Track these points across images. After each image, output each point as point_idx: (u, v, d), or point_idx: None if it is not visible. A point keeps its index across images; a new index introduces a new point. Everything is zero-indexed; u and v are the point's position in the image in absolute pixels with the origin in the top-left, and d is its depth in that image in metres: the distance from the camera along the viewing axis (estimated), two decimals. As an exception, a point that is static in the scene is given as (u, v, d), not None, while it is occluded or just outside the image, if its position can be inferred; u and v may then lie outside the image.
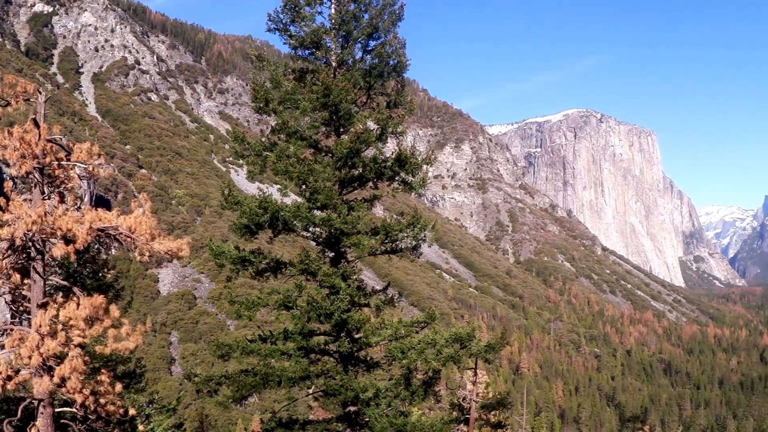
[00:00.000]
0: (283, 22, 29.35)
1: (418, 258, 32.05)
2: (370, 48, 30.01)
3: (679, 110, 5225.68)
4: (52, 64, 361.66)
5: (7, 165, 21.35)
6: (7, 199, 20.53)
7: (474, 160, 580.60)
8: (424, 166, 30.41)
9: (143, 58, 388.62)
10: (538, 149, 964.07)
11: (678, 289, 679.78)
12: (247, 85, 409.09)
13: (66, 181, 22.40)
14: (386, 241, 29.63)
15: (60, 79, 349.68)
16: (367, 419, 28.87)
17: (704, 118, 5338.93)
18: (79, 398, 20.59)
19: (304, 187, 28.56)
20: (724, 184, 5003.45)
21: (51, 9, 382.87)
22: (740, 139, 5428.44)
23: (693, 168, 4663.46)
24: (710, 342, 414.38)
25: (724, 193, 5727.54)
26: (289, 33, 29.48)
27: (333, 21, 29.30)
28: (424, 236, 30.31)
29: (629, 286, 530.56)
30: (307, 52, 30.01)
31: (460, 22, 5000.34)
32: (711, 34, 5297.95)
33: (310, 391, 30.13)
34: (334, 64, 29.67)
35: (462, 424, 45.31)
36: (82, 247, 20.72)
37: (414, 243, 30.21)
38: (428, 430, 29.41)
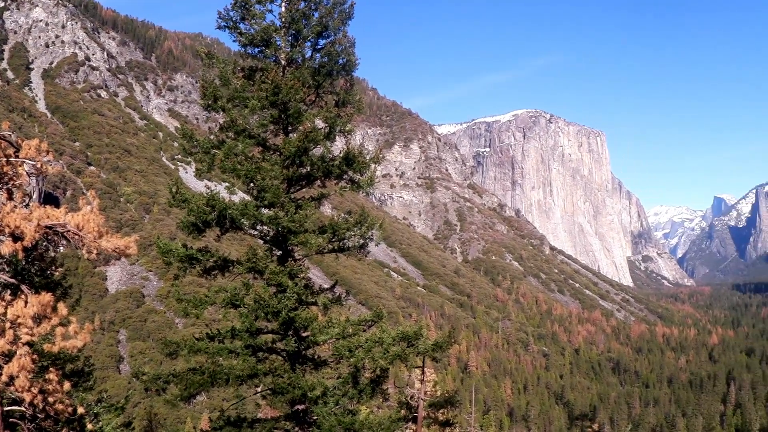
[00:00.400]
0: (233, 19, 29.26)
1: (366, 257, 32.05)
2: (319, 46, 30.01)
3: (629, 111, 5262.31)
4: (2, 59, 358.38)
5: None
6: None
7: (423, 159, 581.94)
8: (372, 165, 30.43)
9: (93, 54, 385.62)
10: (487, 149, 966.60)
11: (626, 289, 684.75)
12: (196, 82, 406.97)
13: (14, 178, 22.20)
14: (334, 239, 29.64)
15: (10, 74, 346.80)
16: (315, 418, 28.85)
17: (653, 120, 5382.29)
18: (27, 397, 20.45)
19: (251, 185, 28.47)
20: (673, 185, 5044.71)
21: (2, 4, 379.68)
22: (689, 141, 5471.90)
23: (642, 169, 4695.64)
24: (659, 341, 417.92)
25: (672, 194, 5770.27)
26: (239, 31, 29.39)
27: (283, 19, 29.23)
28: (372, 235, 30.33)
29: (577, 285, 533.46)
30: (256, 50, 29.92)
31: (411, 22, 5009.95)
32: (659, 35, 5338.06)
33: (259, 389, 30.09)
34: (283, 62, 29.61)
35: (410, 423, 45.43)
36: (30, 245, 20.56)
37: (361, 242, 30.23)
38: (376, 428, 29.42)
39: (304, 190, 30.56)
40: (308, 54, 29.99)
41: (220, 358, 28.45)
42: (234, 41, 29.87)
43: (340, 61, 29.81)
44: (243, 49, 30.02)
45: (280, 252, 29.65)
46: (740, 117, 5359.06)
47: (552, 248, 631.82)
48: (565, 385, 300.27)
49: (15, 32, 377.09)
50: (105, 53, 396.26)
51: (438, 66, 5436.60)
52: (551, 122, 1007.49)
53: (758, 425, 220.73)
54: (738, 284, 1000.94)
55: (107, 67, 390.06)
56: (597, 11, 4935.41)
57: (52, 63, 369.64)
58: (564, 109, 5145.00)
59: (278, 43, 29.48)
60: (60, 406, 21.82)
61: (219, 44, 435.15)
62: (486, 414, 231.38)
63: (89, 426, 30.39)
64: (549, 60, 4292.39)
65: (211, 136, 29.52)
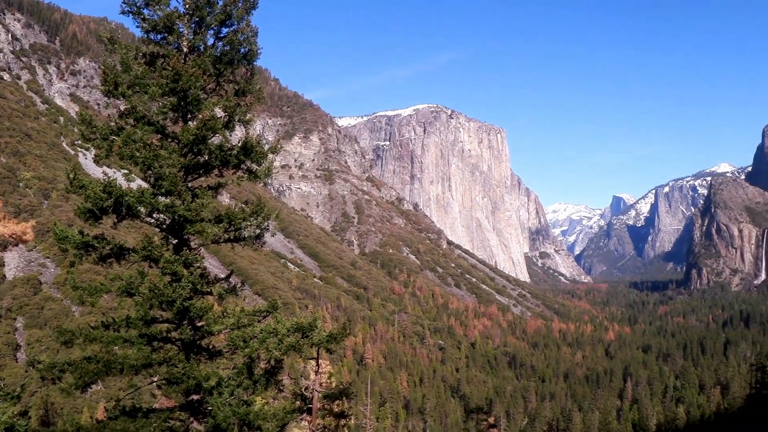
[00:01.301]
0: (137, 5, 28.96)
1: (263, 247, 31.96)
2: (222, 35, 29.86)
3: (530, 109, 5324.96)
4: None
5: None
6: None
7: (322, 151, 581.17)
8: (270, 155, 30.37)
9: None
10: (387, 142, 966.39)
11: (523, 284, 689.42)
12: (99, 67, 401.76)
13: None
14: (230, 229, 29.55)
15: None
16: (210, 408, 28.73)
17: (554, 118, 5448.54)
18: None
19: (149, 172, 28.23)
20: (572, 184, 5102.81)
21: None
22: (589, 140, 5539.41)
23: (541, 166, 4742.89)
24: (555, 336, 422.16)
25: (571, 192, 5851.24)
26: (142, 16, 29.08)
27: (187, 6, 29.03)
28: (268, 225, 30.31)
29: (474, 279, 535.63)
30: (159, 36, 29.65)
31: (315, 13, 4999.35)
32: (560, 33, 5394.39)
33: (154, 379, 29.88)
34: (185, 49, 29.41)
35: (305, 414, 45.42)
36: None
37: (257, 232, 30.17)
38: (271, 419, 29.42)
39: (201, 178, 30.38)
40: (210, 42, 29.83)
41: (115, 347, 28.18)
42: (137, 27, 29.60)
43: (242, 50, 29.70)
44: (146, 35, 29.71)
45: (176, 241, 29.45)
46: (640, 118, 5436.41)
47: (449, 243, 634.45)
48: (461, 379, 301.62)
49: None
50: (9, 35, 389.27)
51: (341, 58, 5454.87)
52: (452, 118, 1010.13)
53: (655, 421, 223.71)
54: (635, 282, 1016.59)
55: (11, 49, 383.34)
56: (500, 9, 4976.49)
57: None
58: (465, 105, 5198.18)
59: (181, 30, 29.27)
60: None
61: (124, 30, 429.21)
62: (382, 406, 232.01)
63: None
64: (452, 56, 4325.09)
65: (111, 123, 29.21)
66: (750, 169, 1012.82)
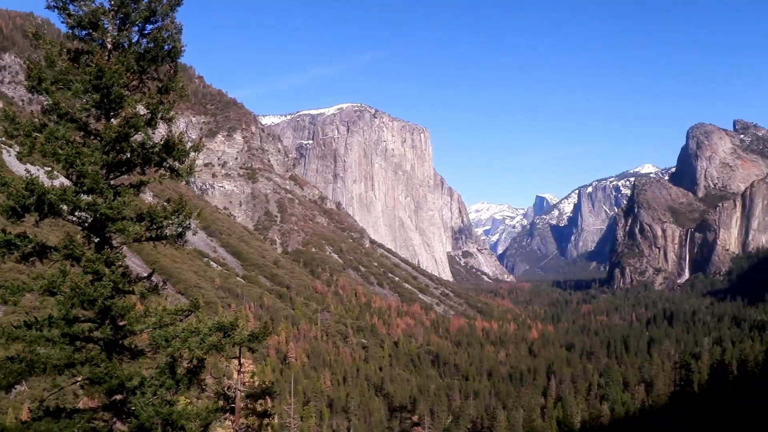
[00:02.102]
0: (63, 0, 28.82)
1: (184, 245, 31.88)
2: (146, 32, 29.75)
3: (453, 108, 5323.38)
4: None
5: None
6: None
7: (245, 149, 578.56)
8: (192, 153, 30.33)
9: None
10: (311, 141, 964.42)
11: (446, 283, 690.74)
12: (24, 63, 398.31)
13: None
14: (152, 227, 29.46)
15: None
16: (133, 408, 28.64)
17: (477, 118, 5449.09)
18: None
19: (71, 170, 28.06)
20: (496, 183, 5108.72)
21: None
22: (513, 140, 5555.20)
23: (464, 166, 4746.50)
24: (478, 335, 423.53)
25: (495, 192, 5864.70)
26: (68, 12, 28.88)
27: (112, 2, 28.91)
28: (189, 224, 30.26)
29: (397, 278, 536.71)
30: (84, 32, 29.46)
31: (240, 10, 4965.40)
32: (482, 33, 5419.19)
33: (78, 379, 29.72)
34: (109, 46, 29.27)
35: (228, 413, 45.39)
36: None
37: (179, 230, 30.11)
38: (194, 419, 29.41)
39: (124, 176, 30.27)
40: (135, 39, 29.71)
41: (38, 347, 27.98)
42: (63, 23, 29.41)
43: (166, 47, 29.64)
44: (71, 31, 29.52)
45: (98, 239, 29.30)
46: (564, 118, 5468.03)
47: (372, 242, 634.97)
48: (385, 377, 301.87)
49: None
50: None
51: (265, 56, 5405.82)
52: (376, 117, 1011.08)
53: (580, 418, 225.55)
54: (558, 281, 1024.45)
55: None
56: (423, 9, 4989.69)
57: None
58: (389, 104, 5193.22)
59: (106, 26, 29.13)
60: None
61: (50, 25, 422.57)
62: (306, 405, 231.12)
63: None
64: (376, 55, 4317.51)
65: (35, 119, 29.00)
66: (674, 170, 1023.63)
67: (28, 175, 27.90)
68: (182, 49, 29.99)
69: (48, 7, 28.91)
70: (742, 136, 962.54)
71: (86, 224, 29.18)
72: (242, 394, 47.36)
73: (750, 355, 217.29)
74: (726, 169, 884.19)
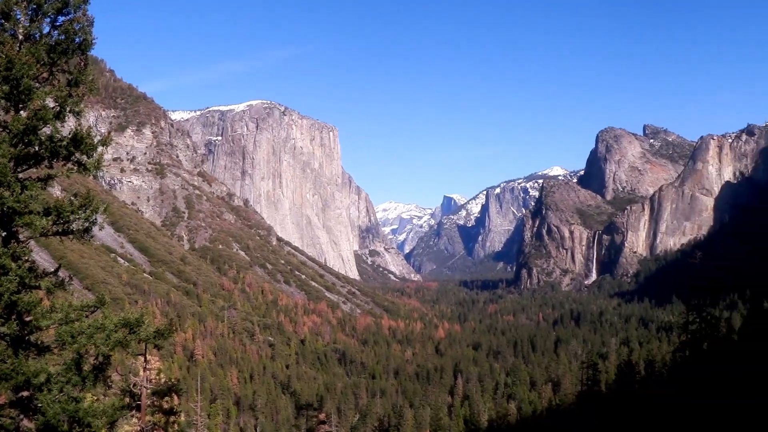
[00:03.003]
0: (-25, -11, 28.39)
1: (91, 240, 31.57)
2: (58, 23, 29.38)
3: (362, 107, 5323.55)
4: None
5: None
6: None
7: (154, 144, 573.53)
8: (100, 148, 30.03)
9: None
10: (220, 138, 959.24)
11: (353, 282, 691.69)
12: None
13: None
14: (58, 221, 29.11)
15: None
16: (40, 405, 28.29)
17: (386, 117, 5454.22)
18: None
19: (-22, 162, 27.66)
20: (403, 183, 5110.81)
21: None
22: (421, 140, 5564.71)
23: (373, 165, 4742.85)
24: (385, 333, 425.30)
25: (402, 192, 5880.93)
26: (-21, 2, 28.47)
27: (26, -8, 28.56)
28: (96, 219, 29.96)
29: (304, 276, 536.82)
30: (-4, 22, 29.06)
31: (151, 3, 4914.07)
32: (389, 32, 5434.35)
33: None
34: (21, 37, 28.86)
35: (134, 411, 45.00)
36: None
37: (86, 225, 29.79)
38: (100, 416, 29.13)
39: (32, 170, 29.88)
40: (46, 30, 29.34)
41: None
42: (-26, 12, 28.98)
43: (78, 39, 29.30)
44: (-18, 21, 29.10)
45: (5, 233, 28.91)
46: (473, 119, 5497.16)
47: (279, 239, 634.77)
48: (292, 375, 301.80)
49: None
50: None
51: (176, 50, 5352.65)
52: (285, 115, 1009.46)
53: (487, 416, 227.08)
54: (465, 281, 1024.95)
55: None
56: (335, 7, 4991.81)
57: None
58: (299, 102, 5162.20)
59: (18, 16, 28.74)
60: None
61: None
62: (213, 403, 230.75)
63: None
64: (286, 53, 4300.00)
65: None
66: (582, 173, 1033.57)
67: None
68: (93, 41, 29.67)
69: (-41, -4, 28.48)
70: (651, 140, 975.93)
71: (-8, 218, 28.76)
72: (148, 391, 46.97)
73: (657, 356, 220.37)
74: (635, 173, 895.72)
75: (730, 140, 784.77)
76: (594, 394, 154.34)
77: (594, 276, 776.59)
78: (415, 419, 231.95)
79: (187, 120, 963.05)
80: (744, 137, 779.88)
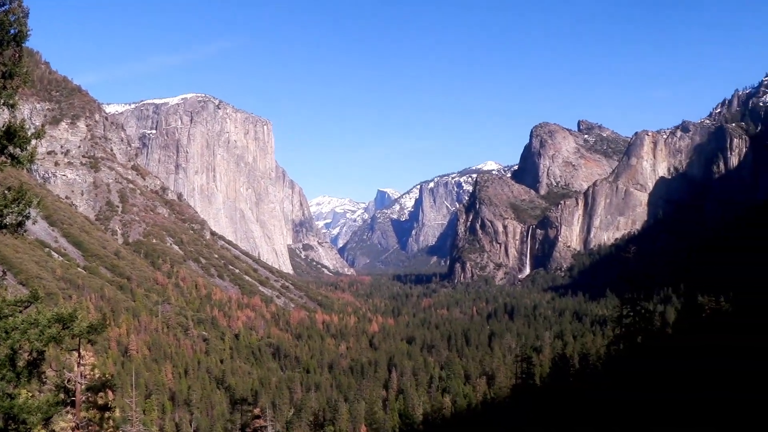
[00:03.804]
0: None
1: (25, 234, 31.17)
2: (-7, 15, 28.98)
3: (296, 101, 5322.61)
4: None
5: None
6: None
7: (89, 138, 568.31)
8: (34, 141, 29.69)
9: None
10: (154, 131, 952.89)
11: (286, 276, 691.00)
12: None
13: None
14: (-9, 215, 28.75)
15: None
16: (-26, 402, 27.91)
17: (320, 111, 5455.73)
18: None
19: None
20: (337, 177, 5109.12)
21: None
22: (355, 134, 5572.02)
23: (306, 159, 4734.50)
24: (319, 328, 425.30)
25: (336, 186, 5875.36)
26: None
27: (-40, -16, 28.11)
28: (29, 213, 29.62)
29: (237, 271, 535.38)
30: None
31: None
32: (330, 29, 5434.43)
33: None
34: (-45, 29, 28.44)
35: (69, 407, 44.53)
36: None
37: (19, 219, 29.48)
38: (35, 412, 28.80)
39: (-35, 163, 29.46)
40: (-20, 22, 28.92)
41: None
42: None
43: (12, 31, 28.92)
44: None
45: (-64, 228, 28.50)
46: (407, 114, 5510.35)
47: (213, 233, 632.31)
48: (226, 370, 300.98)
49: None
50: None
51: (111, 42, 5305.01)
52: (219, 108, 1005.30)
53: (422, 410, 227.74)
54: (399, 275, 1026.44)
55: None
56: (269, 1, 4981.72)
57: None
58: (233, 95, 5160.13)
59: (-49, 9, 28.29)
60: None
61: None
62: (148, 398, 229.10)
63: None
64: (221, 46, 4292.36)
65: None
66: (516, 167, 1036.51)
67: None
68: (28, 33, 29.30)
69: None
70: (586, 136, 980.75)
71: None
72: (83, 386, 46.53)
73: (591, 349, 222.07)
74: (569, 168, 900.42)
75: (664, 136, 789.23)
76: (529, 388, 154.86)
77: (528, 270, 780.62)
78: (350, 413, 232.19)
79: (121, 113, 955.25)
80: (679, 133, 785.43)
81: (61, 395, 43.08)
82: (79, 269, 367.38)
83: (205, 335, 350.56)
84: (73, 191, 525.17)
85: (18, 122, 29.05)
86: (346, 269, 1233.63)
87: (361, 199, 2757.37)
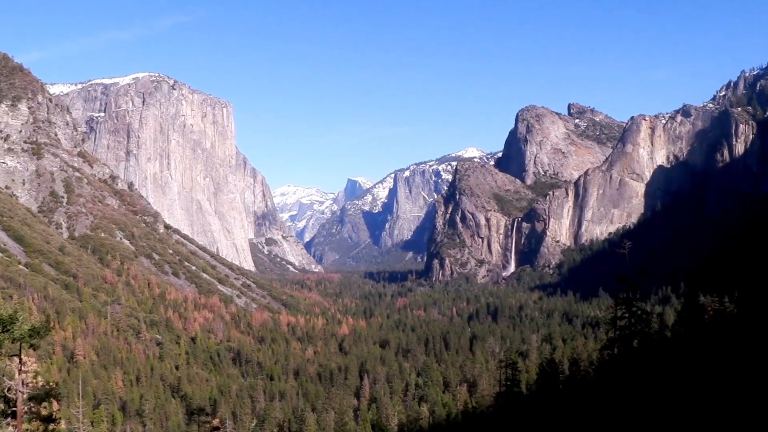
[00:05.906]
0: None
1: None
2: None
3: (259, 83, 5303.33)
4: None
5: None
6: None
7: (31, 121, 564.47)
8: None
9: None
10: (102, 114, 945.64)
11: (248, 273, 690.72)
12: None
13: None
14: None
15: None
16: None
17: (285, 94, 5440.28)
18: None
19: None
20: (303, 165, 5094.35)
21: None
22: (323, 118, 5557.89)
23: (269, 145, 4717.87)
24: (283, 330, 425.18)
25: (302, 174, 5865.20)
26: None
27: None
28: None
29: (194, 268, 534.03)
30: None
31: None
32: (296, 7, 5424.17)
33: None
34: None
35: (9, 417, 44.07)
36: None
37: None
38: (-28, 424, 28.40)
39: None
40: None
41: None
42: None
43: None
44: None
45: None
46: (380, 97, 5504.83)
47: (167, 227, 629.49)
48: (182, 377, 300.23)
49: None
50: None
51: (55, 17, 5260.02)
52: (174, 89, 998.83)
53: (396, 420, 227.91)
54: (371, 272, 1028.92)
55: None
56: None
57: None
58: (189, 75, 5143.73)
59: None
60: None
61: None
62: (96, 408, 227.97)
63: None
64: (177, 21, 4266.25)
65: None
66: (500, 154, 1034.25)
67: None
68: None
69: None
70: (577, 120, 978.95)
71: None
72: (24, 396, 45.97)
73: (583, 354, 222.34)
74: (558, 156, 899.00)
75: (663, 121, 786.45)
76: (514, 396, 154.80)
77: (513, 267, 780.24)
78: (318, 424, 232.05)
79: (66, 94, 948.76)
80: (679, 118, 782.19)
81: (1, 405, 42.62)
82: (20, 266, 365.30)
83: (158, 339, 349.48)
84: (13, 180, 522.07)
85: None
86: (313, 266, 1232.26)
87: (330, 189, 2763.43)
